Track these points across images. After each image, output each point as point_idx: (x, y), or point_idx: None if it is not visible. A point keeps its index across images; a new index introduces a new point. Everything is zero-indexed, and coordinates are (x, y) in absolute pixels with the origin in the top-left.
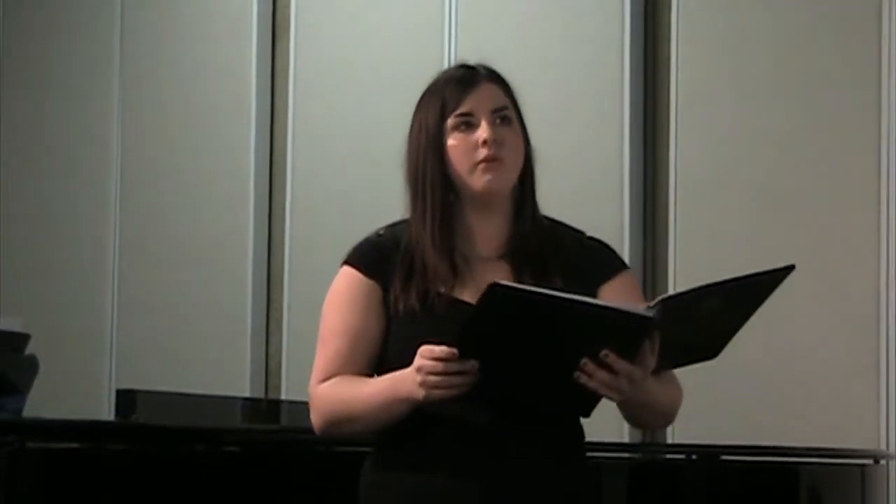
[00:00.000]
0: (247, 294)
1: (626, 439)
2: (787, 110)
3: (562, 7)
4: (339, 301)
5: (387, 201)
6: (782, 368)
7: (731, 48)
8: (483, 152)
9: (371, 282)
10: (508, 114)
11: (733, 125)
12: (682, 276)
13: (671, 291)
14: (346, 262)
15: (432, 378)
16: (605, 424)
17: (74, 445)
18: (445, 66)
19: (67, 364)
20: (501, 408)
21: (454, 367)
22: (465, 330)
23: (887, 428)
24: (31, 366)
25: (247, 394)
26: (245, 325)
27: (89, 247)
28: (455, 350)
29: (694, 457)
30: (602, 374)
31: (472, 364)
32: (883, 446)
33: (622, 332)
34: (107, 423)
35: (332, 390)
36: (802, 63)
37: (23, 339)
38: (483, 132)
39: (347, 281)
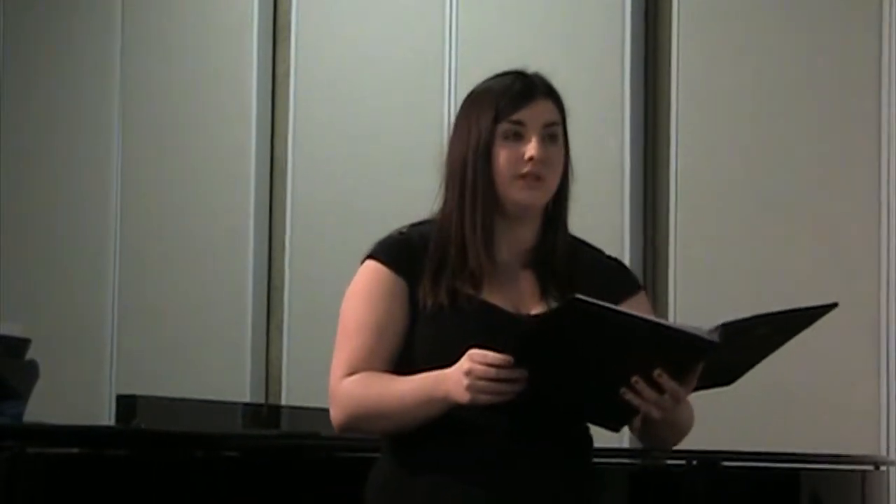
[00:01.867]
0: (247, 299)
1: (626, 445)
2: (788, 117)
3: (562, 15)
4: (364, 295)
5: (387, 207)
6: (783, 375)
7: (732, 55)
8: (527, 167)
9: (398, 277)
10: (557, 131)
11: (734, 131)
12: (682, 282)
13: (730, 318)
14: (371, 257)
15: (481, 383)
16: (605, 430)
17: (74, 451)
18: (446, 71)
19: (68, 369)
20: (526, 416)
21: (505, 373)
22: (526, 339)
23: (888, 434)
24: (32, 371)
25: (247, 399)
26: (245, 331)
27: (90, 252)
28: (510, 358)
29: (695, 463)
30: (650, 393)
31: (522, 372)
32: (883, 452)
33: (681, 353)
34: (107, 429)
35: (361, 385)
36: (803, 70)
37: (23, 343)
38: (531, 149)
39: (373, 275)
